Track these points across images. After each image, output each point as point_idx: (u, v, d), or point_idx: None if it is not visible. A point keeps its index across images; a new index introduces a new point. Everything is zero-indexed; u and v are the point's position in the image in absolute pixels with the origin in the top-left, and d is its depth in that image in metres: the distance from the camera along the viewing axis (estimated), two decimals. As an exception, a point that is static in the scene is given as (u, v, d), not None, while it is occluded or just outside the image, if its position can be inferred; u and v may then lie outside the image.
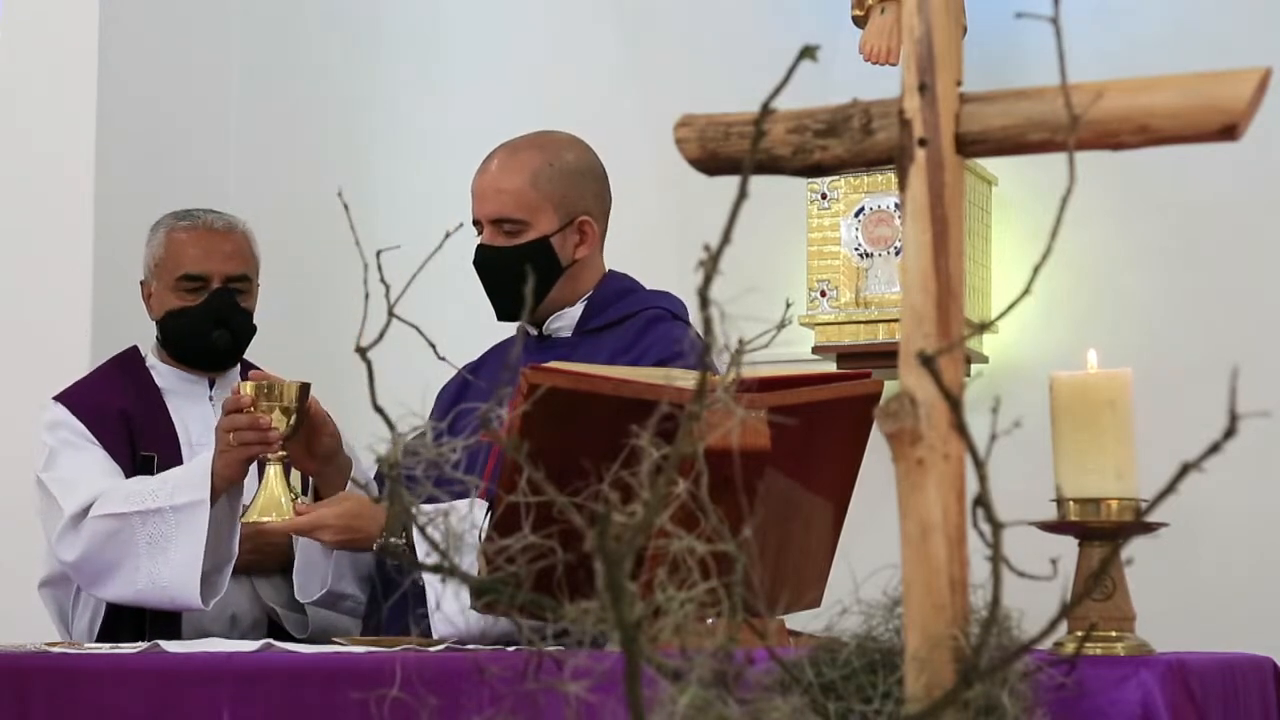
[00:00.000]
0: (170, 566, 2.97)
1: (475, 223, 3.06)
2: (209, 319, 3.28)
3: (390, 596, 2.84)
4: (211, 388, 3.38)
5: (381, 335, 1.59)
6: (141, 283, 3.37)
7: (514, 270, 2.97)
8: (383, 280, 1.61)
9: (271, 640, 2.54)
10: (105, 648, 2.57)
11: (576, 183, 3.06)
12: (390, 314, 1.57)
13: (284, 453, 2.96)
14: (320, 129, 4.68)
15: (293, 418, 2.92)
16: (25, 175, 4.15)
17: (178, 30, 4.36)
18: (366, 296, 1.61)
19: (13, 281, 4.13)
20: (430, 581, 2.63)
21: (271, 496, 2.95)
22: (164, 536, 2.98)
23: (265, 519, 2.94)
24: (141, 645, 2.49)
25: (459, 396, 2.99)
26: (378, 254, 1.62)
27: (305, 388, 2.95)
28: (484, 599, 1.47)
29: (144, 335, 3.40)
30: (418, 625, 2.58)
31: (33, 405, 4.05)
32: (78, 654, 2.43)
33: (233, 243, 3.31)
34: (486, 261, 3.02)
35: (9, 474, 4.02)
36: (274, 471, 2.97)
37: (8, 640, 2.71)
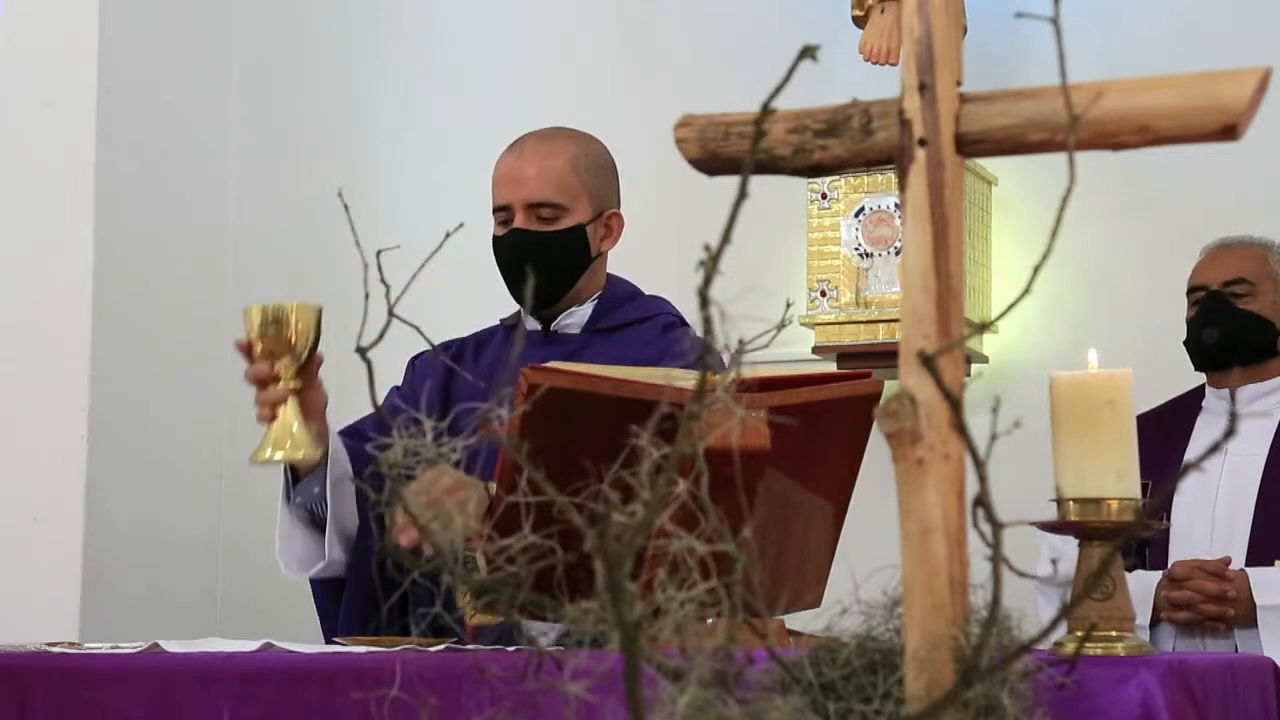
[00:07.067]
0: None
1: (499, 209, 2.97)
2: None
3: (390, 596, 2.82)
4: None
5: (382, 335, 1.59)
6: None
7: (553, 256, 2.93)
8: (383, 280, 1.61)
9: (271, 640, 2.53)
10: (105, 647, 2.57)
11: (605, 176, 3.03)
12: (390, 314, 1.57)
13: (297, 383, 2.65)
14: (320, 129, 4.68)
15: (309, 350, 2.65)
16: (25, 175, 4.14)
17: (178, 30, 4.35)
18: (366, 296, 1.61)
19: (13, 282, 4.13)
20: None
21: (285, 426, 2.64)
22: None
23: (279, 455, 2.64)
24: (141, 645, 2.48)
25: (447, 378, 2.95)
26: (378, 254, 1.62)
27: (319, 313, 2.67)
28: (484, 599, 1.47)
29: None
30: (417, 625, 2.57)
31: (33, 405, 4.06)
32: (78, 654, 2.43)
33: None
34: (523, 247, 2.93)
35: (10, 474, 4.03)
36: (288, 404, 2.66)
37: (8, 640, 2.71)
